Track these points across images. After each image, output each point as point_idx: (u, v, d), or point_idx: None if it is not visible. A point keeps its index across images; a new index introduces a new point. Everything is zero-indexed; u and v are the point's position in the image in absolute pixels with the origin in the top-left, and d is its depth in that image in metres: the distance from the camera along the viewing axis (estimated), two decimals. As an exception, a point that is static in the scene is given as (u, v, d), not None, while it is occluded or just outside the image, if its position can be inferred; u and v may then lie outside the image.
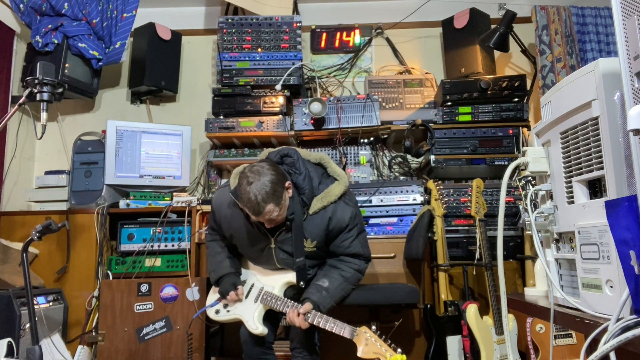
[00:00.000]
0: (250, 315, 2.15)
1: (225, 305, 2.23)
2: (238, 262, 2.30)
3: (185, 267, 2.82)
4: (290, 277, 2.15)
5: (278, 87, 3.17)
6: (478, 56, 3.21)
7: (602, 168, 1.08)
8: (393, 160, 3.41)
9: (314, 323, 1.97)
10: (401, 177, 3.41)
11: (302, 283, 2.12)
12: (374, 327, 1.91)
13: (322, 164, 2.21)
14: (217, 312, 2.24)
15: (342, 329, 1.94)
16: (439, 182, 2.78)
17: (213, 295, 2.31)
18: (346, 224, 2.10)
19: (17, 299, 2.38)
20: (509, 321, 2.45)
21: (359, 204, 2.81)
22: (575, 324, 1.12)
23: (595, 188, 1.15)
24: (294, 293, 2.20)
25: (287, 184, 2.00)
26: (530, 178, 1.40)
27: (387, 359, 1.78)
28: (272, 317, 2.27)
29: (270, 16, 3.30)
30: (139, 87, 3.46)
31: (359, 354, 1.87)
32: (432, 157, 2.98)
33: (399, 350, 1.80)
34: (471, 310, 2.38)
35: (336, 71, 3.60)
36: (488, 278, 2.47)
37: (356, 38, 3.60)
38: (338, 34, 3.61)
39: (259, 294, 2.17)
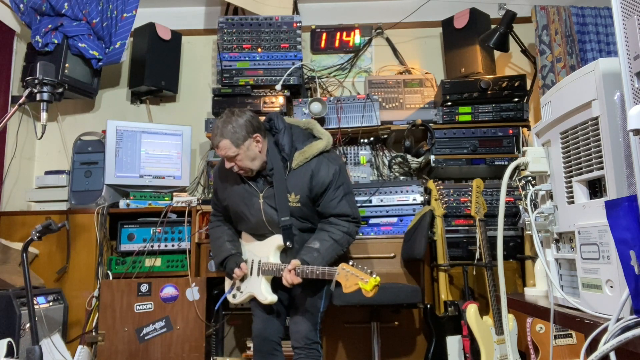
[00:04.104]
0: (257, 289, 2.23)
1: (239, 288, 2.32)
2: (238, 244, 2.38)
3: (185, 267, 2.82)
4: (278, 240, 2.21)
5: (278, 87, 3.17)
6: (478, 56, 3.20)
7: (602, 168, 1.08)
8: (393, 160, 3.41)
9: (303, 276, 2.06)
10: (401, 177, 3.41)
11: (288, 243, 2.18)
12: (351, 262, 1.98)
13: (309, 127, 2.34)
14: (234, 296, 2.35)
15: (324, 273, 2.02)
16: (439, 182, 2.78)
17: (228, 282, 2.41)
18: (330, 180, 2.18)
19: (17, 299, 2.39)
20: (509, 321, 2.45)
21: (359, 204, 2.82)
22: (575, 324, 1.12)
23: (595, 188, 1.15)
24: (289, 259, 2.23)
25: (255, 135, 2.15)
26: (530, 178, 1.40)
27: (363, 287, 1.88)
28: (279, 311, 2.31)
29: (270, 16, 3.30)
30: (139, 87, 3.46)
31: (344, 290, 1.95)
32: (432, 157, 2.98)
33: (374, 274, 1.90)
34: (471, 310, 2.38)
35: (336, 71, 3.60)
36: (488, 278, 2.47)
37: (356, 38, 3.60)
38: (338, 34, 3.61)
39: (258, 267, 2.25)
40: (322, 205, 2.21)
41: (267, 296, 2.20)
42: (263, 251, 2.26)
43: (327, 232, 2.18)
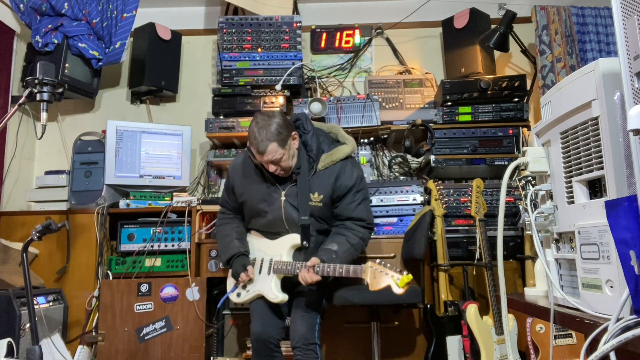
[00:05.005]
0: (267, 288, 2.21)
1: (244, 286, 2.30)
2: (246, 242, 2.36)
3: (185, 267, 2.82)
4: (295, 238, 2.21)
5: (278, 87, 3.17)
6: (478, 56, 3.20)
7: (602, 168, 1.08)
8: (393, 160, 3.41)
9: (324, 274, 2.04)
10: (401, 177, 3.41)
11: (305, 242, 2.19)
12: (377, 260, 1.95)
13: (333, 132, 2.41)
14: (238, 295, 2.33)
15: (349, 271, 2.00)
16: (439, 182, 2.78)
17: (230, 280, 2.38)
18: (353, 183, 2.23)
19: (17, 299, 2.38)
20: (509, 321, 2.45)
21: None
22: (575, 324, 1.12)
23: (595, 188, 1.16)
24: (303, 259, 2.23)
25: (294, 133, 2.17)
26: (530, 178, 1.40)
27: (395, 283, 1.83)
28: (278, 312, 2.30)
29: (270, 16, 3.30)
30: (139, 87, 3.46)
31: (370, 288, 1.91)
32: (432, 157, 2.98)
33: (405, 272, 1.85)
34: (471, 310, 2.38)
35: (336, 71, 3.60)
36: (488, 278, 2.47)
37: (356, 38, 3.60)
38: (338, 34, 3.61)
39: (269, 265, 2.23)
40: (340, 207, 2.25)
41: (278, 295, 2.18)
42: (276, 249, 2.25)
43: (344, 235, 2.21)
